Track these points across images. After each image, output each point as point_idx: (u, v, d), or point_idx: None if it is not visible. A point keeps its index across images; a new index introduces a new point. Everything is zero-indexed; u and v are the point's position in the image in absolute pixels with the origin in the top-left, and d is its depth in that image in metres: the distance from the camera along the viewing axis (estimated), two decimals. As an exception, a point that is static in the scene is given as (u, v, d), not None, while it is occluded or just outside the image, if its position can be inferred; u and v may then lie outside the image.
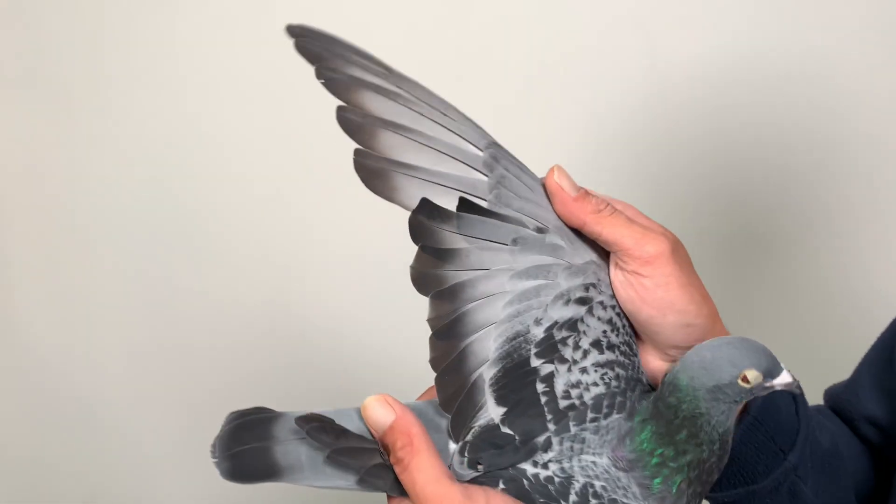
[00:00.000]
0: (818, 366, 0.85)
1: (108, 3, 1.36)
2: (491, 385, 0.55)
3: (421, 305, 0.55)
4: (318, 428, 0.52)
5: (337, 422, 0.53)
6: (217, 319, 1.39)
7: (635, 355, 0.57)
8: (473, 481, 0.53)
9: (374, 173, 0.53)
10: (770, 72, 1.10)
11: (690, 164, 1.14)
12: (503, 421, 0.54)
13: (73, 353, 1.47)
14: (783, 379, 0.53)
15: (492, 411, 0.54)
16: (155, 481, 1.47)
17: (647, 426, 0.53)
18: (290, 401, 1.32)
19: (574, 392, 0.54)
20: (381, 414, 0.52)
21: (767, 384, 0.53)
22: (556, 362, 0.55)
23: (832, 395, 0.78)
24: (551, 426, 0.54)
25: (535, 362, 0.55)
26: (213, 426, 0.54)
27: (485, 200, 0.55)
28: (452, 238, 0.54)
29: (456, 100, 0.57)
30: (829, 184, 1.11)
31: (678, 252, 0.56)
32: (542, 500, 0.52)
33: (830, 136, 1.10)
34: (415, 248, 0.54)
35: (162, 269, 1.40)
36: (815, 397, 0.79)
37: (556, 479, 0.53)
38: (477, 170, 0.55)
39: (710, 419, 0.53)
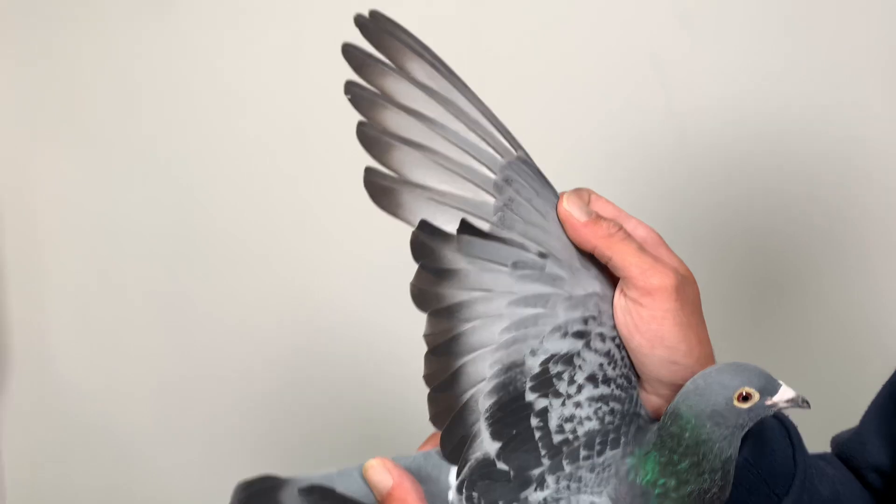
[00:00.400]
0: (827, 411, 0.84)
1: (132, 38, 1.41)
2: (487, 418, 0.55)
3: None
4: (319, 500, 0.54)
5: (340, 483, 0.55)
6: (239, 348, 1.42)
7: (634, 388, 0.56)
8: None
9: (382, 190, 0.55)
10: (788, 112, 1.11)
11: (705, 200, 1.14)
12: (499, 456, 0.54)
13: (99, 381, 1.51)
14: (784, 394, 0.53)
15: (487, 446, 0.55)
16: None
17: (651, 457, 0.53)
18: (310, 425, 1.37)
19: (568, 426, 0.54)
20: (380, 478, 0.54)
21: (769, 402, 0.53)
22: (550, 396, 0.55)
23: (839, 442, 0.77)
24: (545, 461, 0.54)
25: (529, 396, 0.55)
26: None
27: (488, 222, 0.56)
28: (453, 258, 0.55)
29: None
30: (845, 223, 1.11)
31: (684, 290, 0.55)
32: None
33: (846, 175, 1.10)
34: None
35: (186, 300, 1.44)
36: (824, 442, 0.78)
37: None
38: (486, 191, 0.56)
39: (712, 446, 0.52)
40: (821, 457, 0.75)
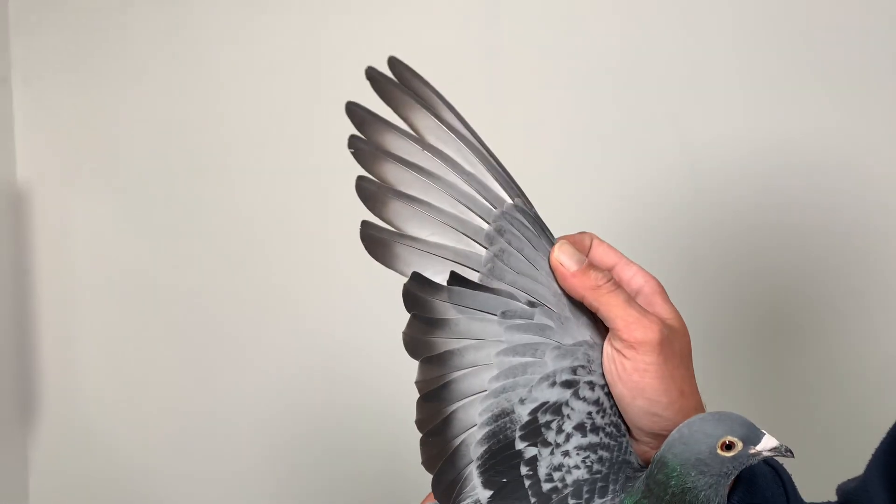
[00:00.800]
0: (833, 458, 0.84)
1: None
2: (478, 466, 0.56)
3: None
4: None
5: None
6: (266, 388, 1.45)
7: (623, 436, 0.57)
8: None
9: (378, 242, 0.57)
10: (802, 156, 1.11)
11: (717, 245, 1.15)
12: None
13: (126, 418, 1.56)
14: (767, 443, 0.53)
15: (479, 494, 0.56)
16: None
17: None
18: (330, 469, 1.38)
19: (556, 475, 0.55)
20: None
21: (752, 451, 0.53)
22: (539, 445, 0.56)
23: (845, 491, 0.77)
24: None
25: (519, 445, 0.56)
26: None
27: (479, 272, 0.57)
28: (443, 308, 0.57)
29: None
30: (863, 271, 1.10)
31: (669, 343, 0.56)
32: None
33: (857, 226, 1.10)
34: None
35: (214, 340, 1.48)
36: (831, 491, 0.78)
37: None
38: (478, 242, 0.58)
39: (698, 494, 0.53)
40: (824, 506, 0.75)
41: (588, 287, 0.56)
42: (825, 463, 0.89)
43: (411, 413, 0.57)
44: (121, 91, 1.50)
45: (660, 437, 0.57)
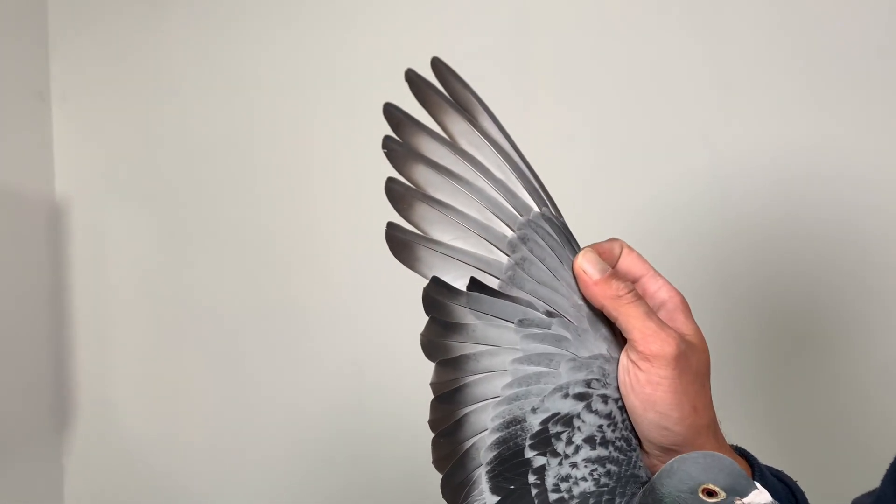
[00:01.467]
0: (845, 472, 0.83)
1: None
2: (488, 472, 0.57)
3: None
4: None
5: None
6: (293, 396, 1.47)
7: (633, 450, 0.57)
8: None
9: (402, 244, 0.57)
10: (826, 165, 1.11)
11: (740, 251, 1.15)
12: None
13: (159, 433, 1.59)
14: (754, 498, 0.52)
15: (487, 498, 0.56)
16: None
17: None
18: (354, 473, 1.39)
19: (563, 486, 0.55)
20: None
21: (738, 502, 0.52)
22: (548, 455, 0.56)
23: None
24: None
25: (528, 453, 0.56)
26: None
27: (499, 279, 0.58)
28: (461, 312, 0.57)
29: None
30: (882, 286, 1.09)
31: (685, 359, 0.56)
32: None
33: (883, 240, 1.09)
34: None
35: (245, 358, 1.50)
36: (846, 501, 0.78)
37: None
38: (500, 249, 0.58)
39: None
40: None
41: (609, 296, 0.56)
42: (843, 473, 0.88)
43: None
44: (156, 106, 1.54)
45: (670, 451, 0.57)
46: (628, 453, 0.57)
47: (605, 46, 1.22)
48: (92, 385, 1.63)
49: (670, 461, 0.54)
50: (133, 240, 1.58)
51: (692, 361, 0.57)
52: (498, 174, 0.58)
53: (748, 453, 0.64)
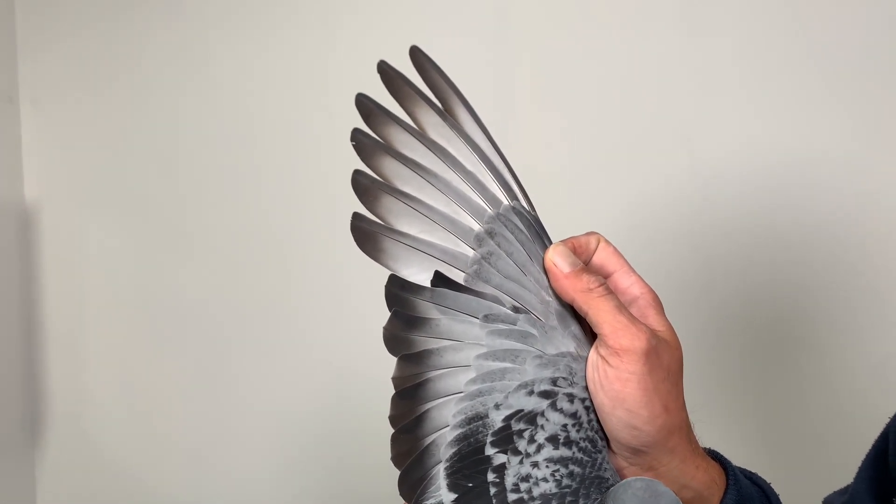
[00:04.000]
0: (821, 470, 0.83)
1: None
2: (446, 468, 0.55)
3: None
4: None
5: None
6: (273, 410, 1.46)
7: (599, 452, 0.55)
8: None
9: (367, 235, 0.56)
10: (809, 165, 1.10)
11: (721, 251, 1.14)
12: None
13: (134, 441, 1.57)
14: None
15: (444, 496, 0.55)
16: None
17: None
18: (340, 475, 1.37)
19: (523, 486, 0.54)
20: None
21: None
22: (509, 453, 0.54)
23: (831, 503, 0.76)
24: None
25: (489, 451, 0.55)
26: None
27: (464, 273, 0.57)
28: (425, 307, 0.56)
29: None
30: (857, 283, 1.09)
31: (656, 355, 0.55)
32: None
33: (866, 232, 1.09)
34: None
35: (222, 363, 1.49)
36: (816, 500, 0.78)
37: None
38: (466, 243, 0.57)
39: None
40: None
41: (579, 289, 0.55)
42: (819, 472, 0.88)
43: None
44: (127, 109, 1.52)
45: (640, 452, 0.56)
46: (593, 455, 0.55)
47: (584, 43, 1.21)
48: (65, 391, 1.61)
49: (615, 486, 0.53)
50: (105, 244, 1.56)
51: (664, 358, 0.55)
52: (468, 166, 0.57)
53: (722, 457, 0.63)
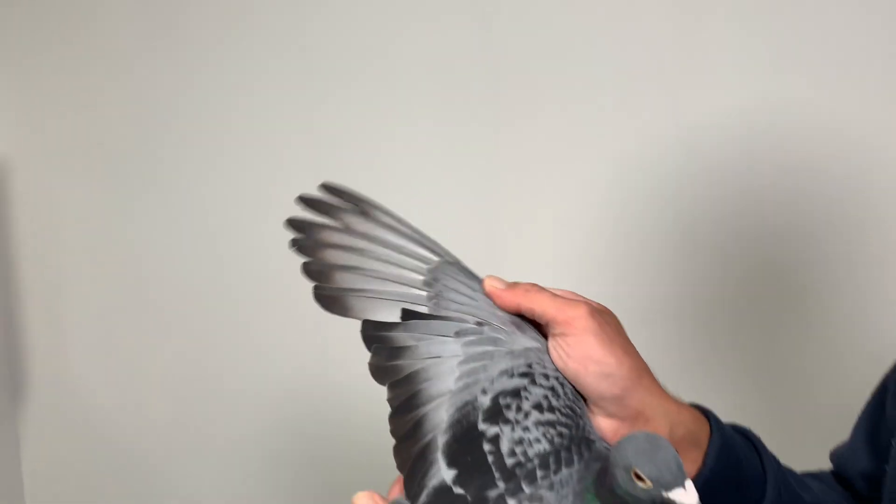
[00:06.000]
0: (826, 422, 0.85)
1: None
2: (443, 451, 0.59)
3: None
4: None
5: None
6: (258, 370, 1.46)
7: (580, 417, 0.61)
8: None
9: (331, 300, 0.64)
10: (792, 130, 1.10)
11: (711, 220, 1.15)
12: (455, 482, 0.57)
13: (117, 400, 1.57)
14: (680, 497, 0.52)
15: (444, 473, 0.58)
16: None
17: (590, 496, 0.56)
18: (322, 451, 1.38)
19: (518, 449, 0.58)
20: None
21: (665, 494, 0.52)
22: (500, 423, 0.59)
23: (836, 455, 0.79)
24: (501, 484, 0.57)
25: (482, 426, 0.59)
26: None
27: (426, 306, 0.64)
28: (402, 338, 0.63)
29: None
30: (848, 234, 1.09)
31: (599, 315, 0.63)
32: None
33: (854, 185, 1.09)
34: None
35: (205, 321, 1.49)
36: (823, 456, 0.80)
37: None
38: (417, 288, 0.65)
39: (637, 501, 0.53)
40: (809, 474, 0.77)
41: (520, 294, 0.64)
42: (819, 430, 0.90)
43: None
44: (99, 70, 1.49)
45: (622, 400, 0.62)
46: (576, 419, 0.60)
47: (570, 17, 1.20)
48: (46, 364, 1.62)
49: (621, 439, 0.56)
50: (82, 208, 1.54)
51: (606, 317, 0.64)
52: (394, 241, 0.66)
53: (706, 409, 0.68)
